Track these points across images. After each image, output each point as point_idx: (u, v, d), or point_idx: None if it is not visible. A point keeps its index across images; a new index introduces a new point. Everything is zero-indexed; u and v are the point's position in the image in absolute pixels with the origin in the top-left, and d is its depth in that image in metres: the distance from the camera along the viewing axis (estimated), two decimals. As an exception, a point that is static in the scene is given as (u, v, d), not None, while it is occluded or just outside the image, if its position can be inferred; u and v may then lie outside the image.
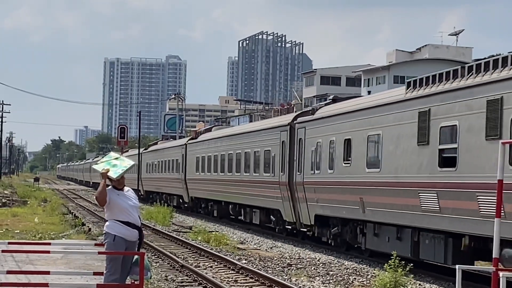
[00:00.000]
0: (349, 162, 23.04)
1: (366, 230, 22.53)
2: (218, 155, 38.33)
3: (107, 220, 11.77)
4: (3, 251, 12.65)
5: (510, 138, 15.56)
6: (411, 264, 17.48)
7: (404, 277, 17.03)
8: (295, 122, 28.08)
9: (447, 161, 17.77)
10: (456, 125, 17.39)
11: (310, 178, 26.19)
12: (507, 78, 15.64)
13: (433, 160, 18.27)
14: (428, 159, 18.49)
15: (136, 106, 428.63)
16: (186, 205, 46.52)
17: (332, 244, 25.62)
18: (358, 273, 20.61)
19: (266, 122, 35.16)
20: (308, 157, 26.35)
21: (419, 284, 18.76)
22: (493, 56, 16.21)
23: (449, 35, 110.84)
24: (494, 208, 16.10)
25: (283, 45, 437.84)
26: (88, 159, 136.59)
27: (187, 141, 46.61)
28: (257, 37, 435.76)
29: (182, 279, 18.71)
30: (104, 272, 11.59)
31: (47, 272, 13.20)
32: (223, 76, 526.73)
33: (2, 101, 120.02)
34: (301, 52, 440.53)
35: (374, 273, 19.66)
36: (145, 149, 62.17)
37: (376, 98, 22.29)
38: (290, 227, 29.15)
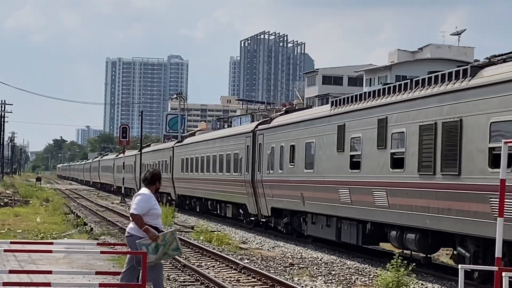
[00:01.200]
0: (293, 164, 28.62)
1: (307, 220, 28.08)
2: (199, 157, 44.01)
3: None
4: (5, 250, 12.83)
5: (391, 148, 21.13)
6: (414, 264, 18.42)
7: (407, 276, 17.44)
8: (256, 129, 33.69)
9: (355, 164, 23.33)
10: (360, 136, 22.96)
11: (267, 177, 31.78)
12: (390, 103, 21.20)
13: (346, 163, 23.83)
14: (344, 162, 24.05)
15: (138, 106, 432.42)
16: (173, 202, 52.11)
17: (284, 232, 31.17)
18: (360, 272, 21.03)
19: (236, 129, 40.82)
20: (265, 159, 31.94)
21: (422, 284, 19.08)
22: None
23: (451, 34, 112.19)
24: (383, 200, 21.74)
25: (285, 45, 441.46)
26: (89, 159, 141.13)
27: (174, 144, 52.36)
28: (259, 37, 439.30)
29: (184, 279, 18.91)
30: (122, 271, 12.45)
31: (49, 272, 13.28)
32: (225, 76, 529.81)
33: (4, 101, 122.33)
34: (303, 52, 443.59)
35: (376, 273, 20.13)
36: (139, 151, 67.60)
37: (312, 112, 27.91)
38: (253, 218, 34.75)
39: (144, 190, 12.49)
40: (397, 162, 20.72)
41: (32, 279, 15.26)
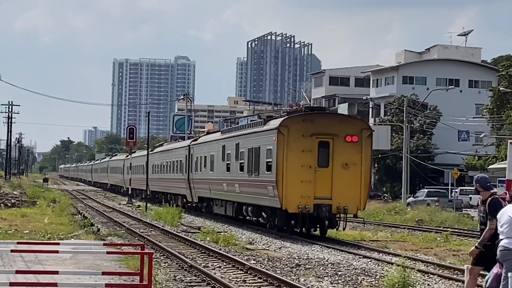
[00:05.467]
0: (206, 168, 46.75)
1: (213, 203, 46.16)
2: (161, 162, 62.51)
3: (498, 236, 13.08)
4: (12, 251, 13.40)
5: (240, 160, 39.20)
6: (420, 265, 20.85)
7: (413, 277, 18.31)
8: (190, 144, 51.94)
9: (228, 168, 41.41)
10: (230, 153, 41.02)
11: (195, 176, 49.93)
12: (239, 135, 39.22)
13: (225, 168, 41.87)
14: (225, 167, 42.07)
15: (145, 106, 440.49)
16: (148, 196, 70.37)
17: (204, 211, 49.16)
18: (366, 273, 21.58)
19: (181, 143, 59.21)
20: (194, 165, 50.10)
21: (428, 284, 19.79)
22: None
23: (458, 35, 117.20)
24: (238, 189, 39.76)
25: (292, 46, 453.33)
26: (91, 161, 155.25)
27: (149, 152, 70.68)
28: (266, 37, 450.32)
29: (190, 279, 19.47)
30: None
31: (56, 272, 13.56)
32: (232, 77, 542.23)
33: (12, 102, 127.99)
34: (310, 52, 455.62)
35: (382, 273, 20.94)
36: (126, 156, 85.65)
37: (214, 136, 46.17)
38: (189, 204, 52.99)
39: None
40: (242, 168, 38.75)
41: (39, 279, 15.46)
